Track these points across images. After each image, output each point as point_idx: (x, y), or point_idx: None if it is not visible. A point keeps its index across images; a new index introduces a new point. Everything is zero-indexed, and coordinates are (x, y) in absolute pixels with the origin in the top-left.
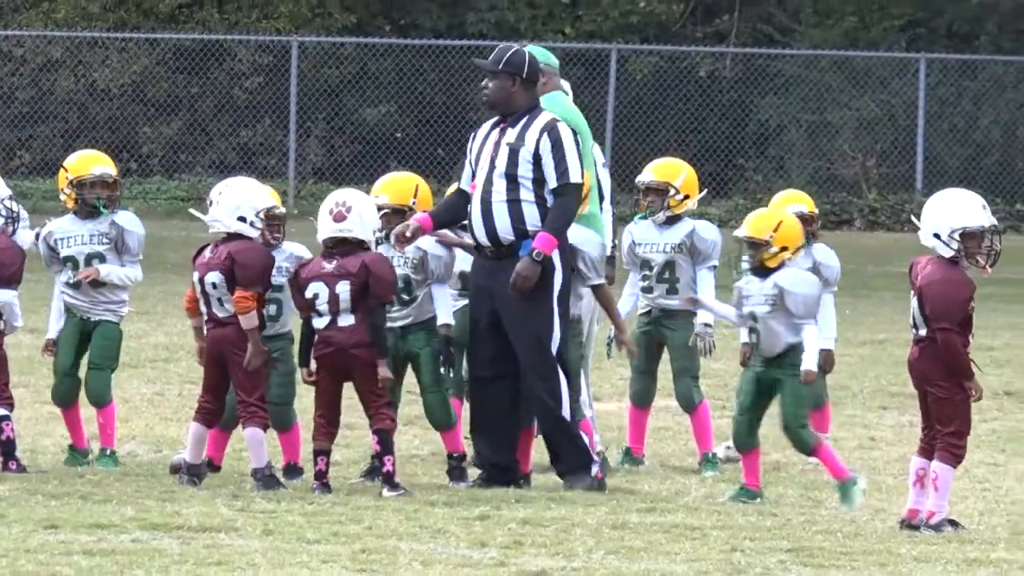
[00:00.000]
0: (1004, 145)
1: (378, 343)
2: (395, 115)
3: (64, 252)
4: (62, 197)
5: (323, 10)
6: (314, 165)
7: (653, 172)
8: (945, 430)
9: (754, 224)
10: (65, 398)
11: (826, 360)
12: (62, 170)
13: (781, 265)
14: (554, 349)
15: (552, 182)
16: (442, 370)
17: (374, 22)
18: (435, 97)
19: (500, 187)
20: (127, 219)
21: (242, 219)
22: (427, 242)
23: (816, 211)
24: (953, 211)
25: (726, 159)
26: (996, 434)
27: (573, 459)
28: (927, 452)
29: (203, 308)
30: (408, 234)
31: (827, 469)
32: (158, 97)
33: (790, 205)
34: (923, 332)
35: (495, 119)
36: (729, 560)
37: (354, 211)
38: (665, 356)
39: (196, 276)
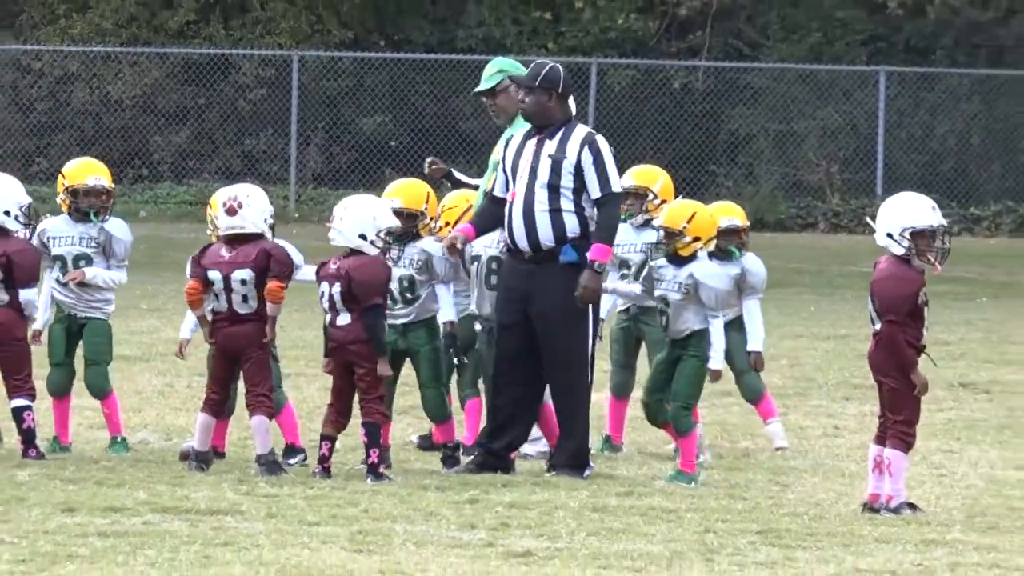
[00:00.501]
0: (958, 152)
1: (374, 341)
2: (390, 124)
3: (55, 251)
4: (58, 200)
5: (322, 26)
6: (314, 171)
7: (633, 177)
8: (896, 418)
9: (669, 215)
10: (58, 387)
11: (756, 361)
12: (60, 176)
13: (694, 255)
14: (587, 354)
15: (595, 192)
16: (455, 361)
17: (370, 38)
18: (427, 108)
19: (542, 196)
20: (116, 226)
21: (363, 237)
22: (432, 245)
23: (747, 224)
24: (905, 212)
25: (699, 165)
26: (952, 423)
27: (573, 457)
28: (883, 440)
29: (221, 304)
30: (458, 245)
31: (683, 455)
32: (168, 108)
33: (724, 218)
34: (877, 327)
35: (527, 130)
36: (702, 541)
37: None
38: (643, 351)
39: (218, 274)
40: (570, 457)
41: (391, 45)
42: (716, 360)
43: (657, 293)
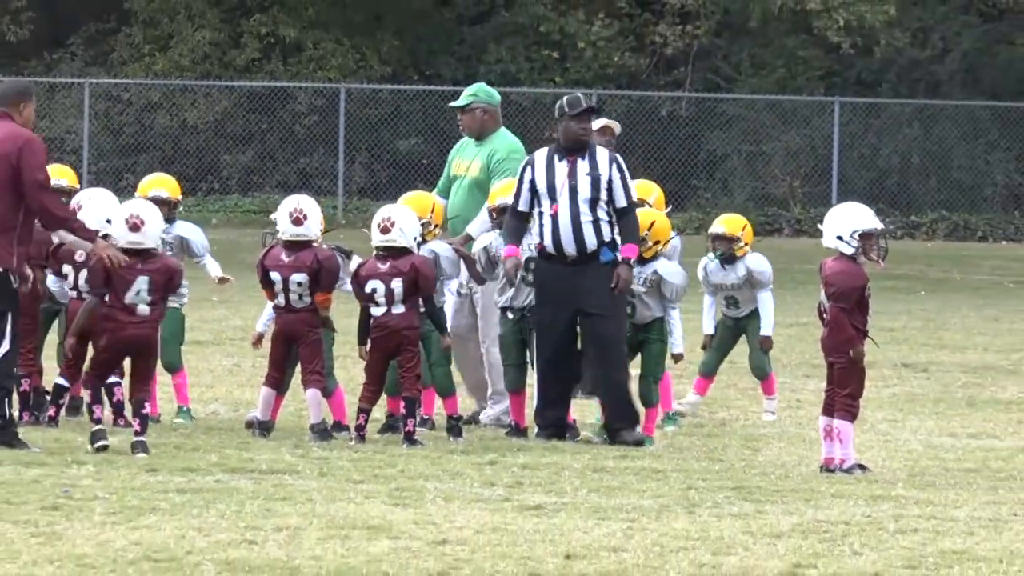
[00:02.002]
0: (901, 169)
1: (441, 324)
2: (422, 146)
3: None
4: None
5: (365, 63)
6: (358, 185)
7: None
8: (843, 392)
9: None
10: None
11: (764, 342)
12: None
13: (656, 256)
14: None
15: (621, 202)
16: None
17: (406, 72)
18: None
19: (585, 209)
20: (184, 228)
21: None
22: (440, 246)
23: (736, 233)
24: (852, 217)
25: (682, 180)
26: (896, 397)
27: (626, 418)
28: (830, 411)
29: (280, 300)
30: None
31: (648, 421)
32: (235, 132)
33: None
34: (826, 316)
35: (550, 152)
36: (685, 496)
37: (397, 224)
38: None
39: (278, 275)
40: (628, 415)
41: (423, 79)
42: (677, 345)
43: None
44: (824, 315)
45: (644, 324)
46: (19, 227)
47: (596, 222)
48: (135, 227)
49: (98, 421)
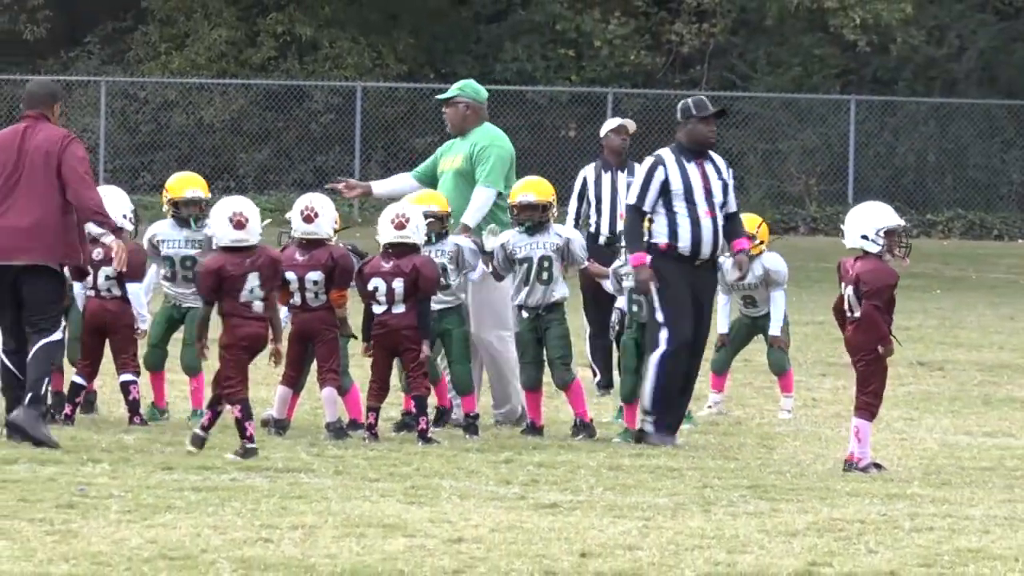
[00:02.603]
0: (917, 168)
1: (423, 327)
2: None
3: (164, 251)
4: (164, 209)
5: (381, 61)
6: None
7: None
8: (866, 390)
9: None
10: (154, 365)
11: (775, 340)
12: (165, 189)
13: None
14: None
15: (733, 206)
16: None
17: (422, 70)
18: None
19: (718, 214)
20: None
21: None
22: (462, 240)
23: (753, 232)
24: (876, 216)
25: None
26: (911, 395)
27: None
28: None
29: (296, 299)
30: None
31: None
32: (251, 130)
33: None
34: (856, 314)
35: (678, 153)
36: (701, 495)
37: (412, 222)
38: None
39: (293, 275)
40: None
41: (439, 77)
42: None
43: (625, 284)
44: (849, 313)
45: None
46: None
47: (722, 225)
48: (239, 224)
49: (251, 439)
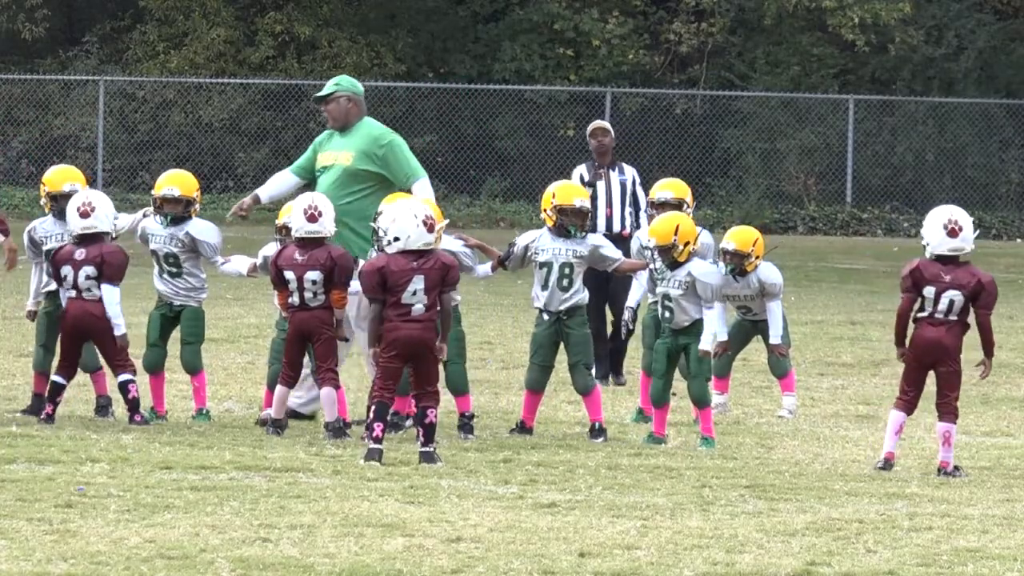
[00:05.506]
0: (915, 167)
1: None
2: (436, 144)
3: (151, 246)
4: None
5: (379, 60)
6: None
7: (671, 189)
8: (953, 395)
9: (658, 232)
10: (153, 365)
11: (774, 349)
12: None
13: (689, 257)
14: None
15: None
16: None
17: (420, 70)
18: (468, 130)
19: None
20: (197, 228)
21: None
22: (453, 244)
23: (747, 249)
24: (968, 220)
25: (696, 179)
26: None
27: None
28: (909, 408)
29: (295, 298)
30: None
31: (707, 425)
32: (250, 129)
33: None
34: (953, 317)
35: None
36: (699, 495)
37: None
38: None
39: (292, 275)
40: None
41: (438, 76)
42: (706, 342)
43: (659, 290)
44: (946, 314)
45: (683, 328)
46: None
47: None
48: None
49: (377, 440)
